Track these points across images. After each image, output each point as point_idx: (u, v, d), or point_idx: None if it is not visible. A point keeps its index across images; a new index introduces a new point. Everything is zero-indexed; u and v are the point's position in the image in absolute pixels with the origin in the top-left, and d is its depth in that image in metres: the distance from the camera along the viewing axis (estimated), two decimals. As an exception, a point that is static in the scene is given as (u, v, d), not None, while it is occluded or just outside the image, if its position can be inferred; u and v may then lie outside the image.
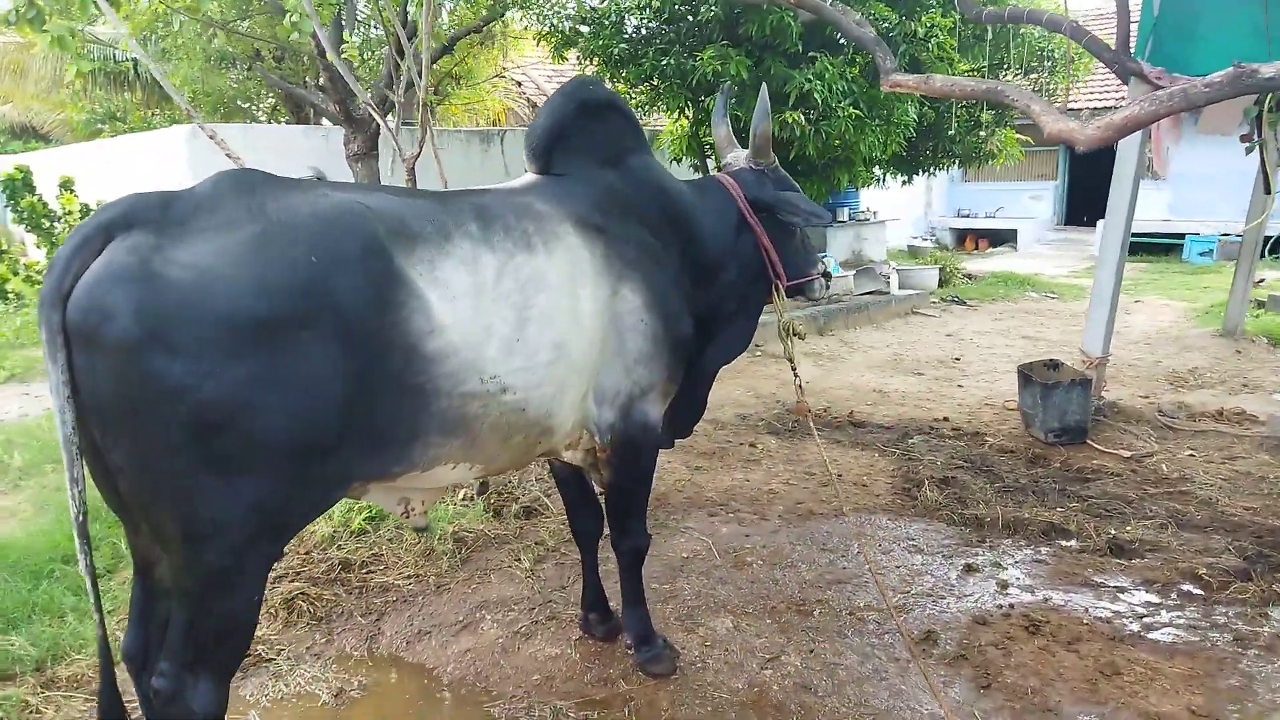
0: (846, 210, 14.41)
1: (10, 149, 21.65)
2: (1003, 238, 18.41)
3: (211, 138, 3.99)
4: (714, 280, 3.15)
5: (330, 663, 3.28)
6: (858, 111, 9.36)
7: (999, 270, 14.05)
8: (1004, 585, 3.80)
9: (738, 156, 3.34)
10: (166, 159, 10.58)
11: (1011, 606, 3.61)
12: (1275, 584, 3.74)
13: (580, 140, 2.83)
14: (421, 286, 2.20)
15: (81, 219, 10.49)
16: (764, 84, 3.25)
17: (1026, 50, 10.29)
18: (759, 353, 7.97)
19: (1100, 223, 16.66)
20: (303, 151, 10.62)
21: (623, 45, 9.91)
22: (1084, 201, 18.18)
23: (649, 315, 2.81)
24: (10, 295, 10.78)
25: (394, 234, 2.19)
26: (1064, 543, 4.22)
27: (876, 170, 12.44)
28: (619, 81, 10.45)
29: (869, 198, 15.41)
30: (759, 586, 3.78)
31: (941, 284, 12.07)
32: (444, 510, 4.34)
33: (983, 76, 11.30)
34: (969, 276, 13.29)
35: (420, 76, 4.41)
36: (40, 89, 16.37)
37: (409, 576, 3.84)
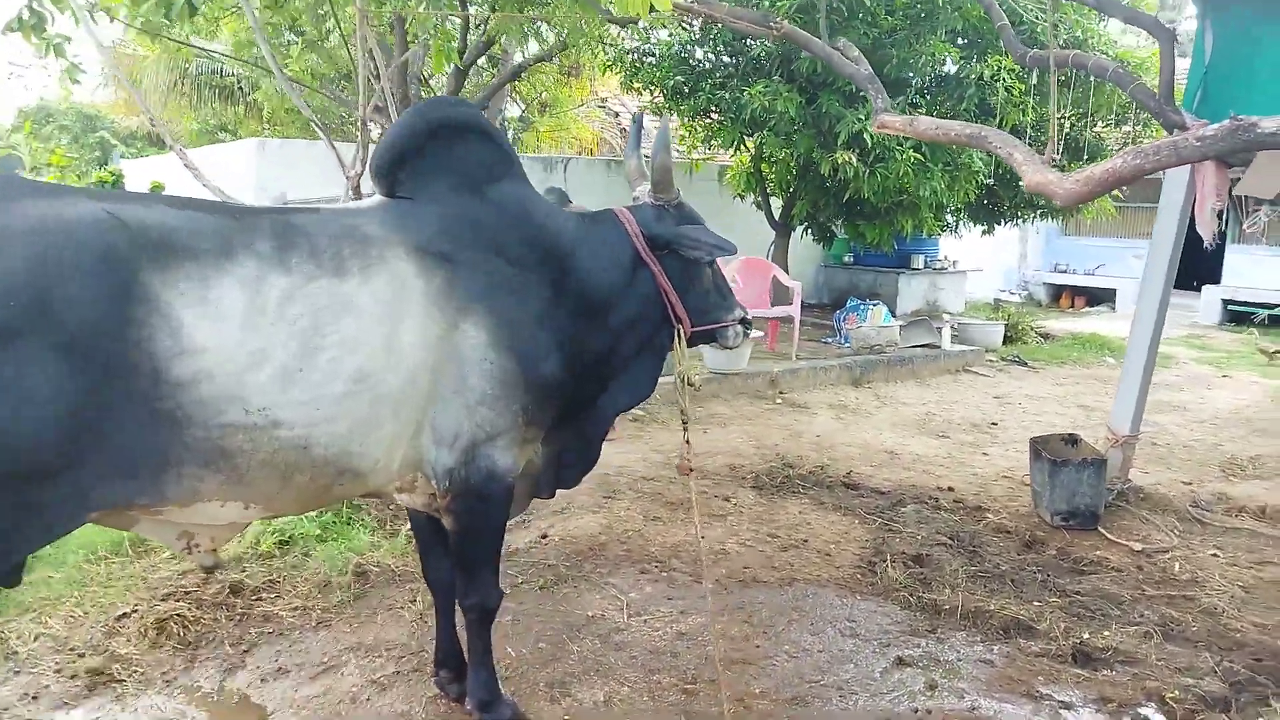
0: (922, 258, 13.83)
1: (147, 153, 23.15)
2: (1101, 297, 17.33)
3: (169, 146, 3.99)
4: (604, 320, 2.90)
5: (176, 692, 3.14)
6: (918, 155, 8.96)
7: (1083, 331, 13.16)
8: (932, 685, 3.37)
9: (644, 190, 3.10)
10: (239, 169, 11.03)
11: (929, 712, 3.19)
12: (1256, 719, 3.20)
13: (433, 163, 2.64)
14: (175, 305, 2.05)
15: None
16: (665, 120, 3.01)
17: (1115, 98, 9.63)
18: (779, 400, 7.58)
19: (1206, 289, 15.64)
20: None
21: (680, 78, 9.77)
22: (1194, 263, 16.94)
23: (496, 354, 2.59)
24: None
25: (148, 248, 2.05)
26: (1024, 642, 3.74)
27: (949, 218, 11.89)
28: (678, 114, 10.32)
29: (952, 246, 14.74)
30: (654, 658, 3.46)
31: (1008, 341, 11.35)
32: (358, 540, 4.18)
33: (1073, 124, 10.67)
34: (1045, 336, 12.47)
35: (386, 96, 4.33)
36: (155, 99, 17.34)
37: (295, 608, 3.68)
